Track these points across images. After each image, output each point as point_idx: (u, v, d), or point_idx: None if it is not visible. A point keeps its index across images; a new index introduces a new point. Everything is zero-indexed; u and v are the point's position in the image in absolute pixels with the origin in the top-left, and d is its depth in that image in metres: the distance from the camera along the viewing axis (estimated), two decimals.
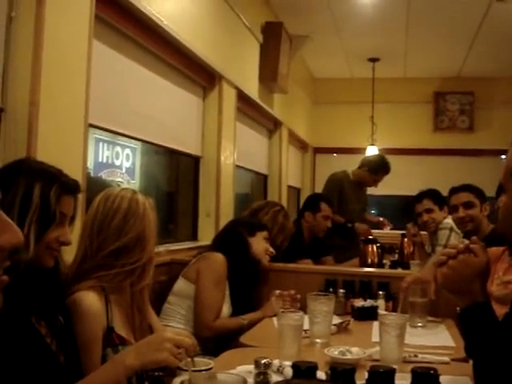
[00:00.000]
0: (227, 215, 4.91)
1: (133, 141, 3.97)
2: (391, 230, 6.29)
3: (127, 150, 3.98)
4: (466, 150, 8.64)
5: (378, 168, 5.76)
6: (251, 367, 1.74)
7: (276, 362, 1.84)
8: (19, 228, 1.44)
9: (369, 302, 3.23)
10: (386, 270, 4.57)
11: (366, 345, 2.33)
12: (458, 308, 1.71)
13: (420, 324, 2.93)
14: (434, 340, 2.64)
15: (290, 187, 7.87)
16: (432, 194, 4.59)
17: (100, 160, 3.67)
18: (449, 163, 8.67)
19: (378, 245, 5.13)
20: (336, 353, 2.18)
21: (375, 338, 2.49)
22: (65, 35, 2.67)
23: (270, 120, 6.83)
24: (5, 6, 2.43)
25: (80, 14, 2.79)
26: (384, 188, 8.71)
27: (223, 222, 4.67)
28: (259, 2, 6.02)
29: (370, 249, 5.02)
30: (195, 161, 4.82)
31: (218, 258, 3.19)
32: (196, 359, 1.77)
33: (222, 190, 4.82)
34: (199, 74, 4.55)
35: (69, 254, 1.92)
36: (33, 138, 2.42)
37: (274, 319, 2.82)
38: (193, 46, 4.12)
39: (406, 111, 8.82)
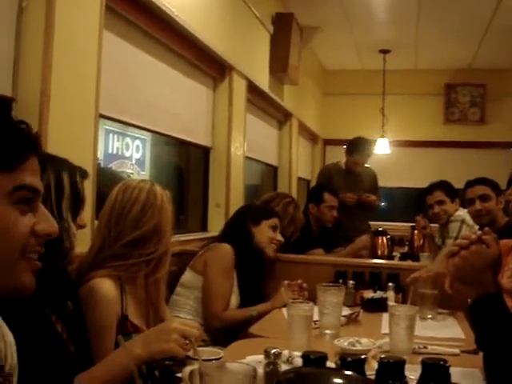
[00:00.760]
0: (237, 206, 4.89)
1: (143, 132, 3.97)
2: (402, 222, 6.26)
3: (137, 142, 3.99)
4: (476, 142, 8.60)
5: (352, 149, 5.67)
6: (261, 357, 1.74)
7: (286, 353, 1.84)
8: (57, 215, 1.56)
9: (378, 294, 3.23)
10: (396, 262, 4.57)
11: (375, 336, 2.32)
12: (469, 300, 1.71)
13: (430, 316, 2.92)
14: (444, 332, 2.64)
15: (300, 179, 7.86)
16: (444, 186, 4.57)
17: (110, 151, 3.67)
18: (459, 155, 8.63)
19: (388, 237, 5.12)
20: (346, 344, 2.18)
21: (385, 329, 2.49)
22: (76, 25, 2.67)
23: (281, 111, 6.81)
24: None
25: (91, 4, 2.79)
26: (394, 180, 8.76)
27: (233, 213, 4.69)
28: None
29: (380, 241, 5.02)
30: (205, 152, 4.82)
31: (225, 248, 3.19)
32: (205, 349, 1.78)
33: (231, 181, 4.82)
34: (209, 65, 4.55)
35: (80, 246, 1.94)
36: (44, 128, 2.42)
37: (284, 310, 2.83)
38: (203, 36, 4.12)
39: (417, 103, 8.78)
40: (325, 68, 9.12)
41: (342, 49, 8.13)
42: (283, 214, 3.86)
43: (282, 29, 6.00)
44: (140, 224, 2.09)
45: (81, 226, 1.87)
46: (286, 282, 3.27)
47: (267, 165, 6.93)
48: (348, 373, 1.30)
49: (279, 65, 6.02)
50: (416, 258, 4.86)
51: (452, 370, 1.45)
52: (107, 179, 3.17)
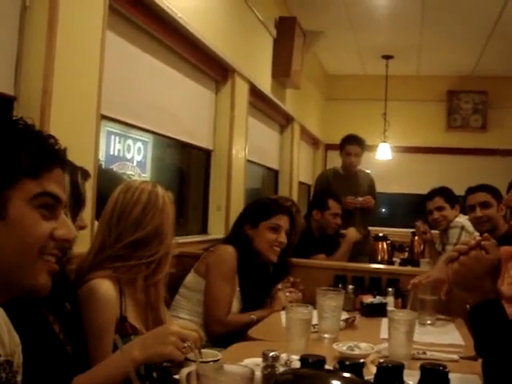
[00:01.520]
0: (238, 209, 4.89)
1: (144, 134, 3.97)
2: (403, 228, 6.26)
3: (139, 144, 3.98)
4: (478, 149, 8.59)
5: (342, 143, 5.67)
6: (259, 360, 1.74)
7: (284, 356, 1.84)
8: None
9: (378, 299, 3.22)
10: (396, 267, 4.57)
11: (374, 341, 2.32)
12: (467, 306, 1.70)
13: (429, 322, 2.91)
14: (443, 338, 2.63)
15: (300, 183, 7.86)
16: (444, 192, 4.57)
17: (111, 153, 3.67)
18: (461, 162, 8.63)
19: (389, 242, 5.13)
20: (344, 348, 2.18)
21: (384, 334, 2.48)
22: (79, 25, 2.67)
23: (282, 115, 6.81)
24: None
25: (94, 4, 2.79)
26: (395, 186, 8.76)
27: (233, 216, 4.67)
28: None
29: (380, 246, 5.02)
30: (207, 154, 4.82)
31: (227, 250, 3.14)
32: (204, 350, 1.77)
33: (232, 184, 4.82)
34: (212, 68, 4.55)
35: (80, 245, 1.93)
36: (45, 127, 2.42)
37: (282, 313, 2.82)
38: (206, 39, 4.12)
39: (419, 109, 8.78)
40: (327, 73, 9.13)
41: (344, 54, 8.14)
42: None
43: (285, 33, 6.00)
44: (141, 225, 2.07)
45: (81, 227, 1.87)
46: (278, 286, 3.27)
47: (268, 168, 6.92)
48: (346, 375, 1.29)
49: (282, 69, 6.02)
50: (416, 264, 4.86)
51: (451, 376, 1.44)
52: (108, 180, 3.17)
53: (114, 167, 3.70)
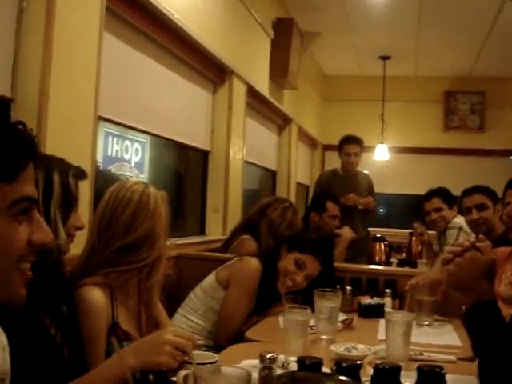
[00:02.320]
0: (235, 211, 4.91)
1: (142, 135, 3.97)
2: (401, 228, 6.26)
3: (136, 145, 3.98)
4: (475, 149, 8.61)
5: (341, 143, 5.68)
6: (256, 362, 1.74)
7: (281, 357, 1.84)
8: (44, 215, 1.54)
9: (375, 300, 3.22)
10: (394, 268, 4.57)
11: (371, 342, 2.32)
12: (463, 307, 1.71)
13: (427, 323, 2.91)
14: (441, 339, 2.63)
15: (298, 184, 7.86)
16: (442, 193, 4.57)
17: (109, 154, 3.67)
18: (459, 163, 8.64)
19: (386, 243, 5.12)
20: (342, 349, 2.18)
21: (381, 335, 2.48)
22: (75, 27, 2.67)
23: (280, 116, 6.82)
24: None
25: (91, 5, 2.79)
26: (393, 187, 8.76)
27: (231, 218, 4.68)
28: None
29: (377, 247, 5.01)
30: (204, 155, 4.82)
31: (252, 265, 3.02)
32: (201, 353, 1.76)
33: (230, 186, 4.82)
34: (210, 69, 4.55)
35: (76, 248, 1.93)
36: (42, 129, 2.42)
37: (280, 316, 2.82)
38: (204, 40, 4.12)
39: (417, 110, 8.79)
40: (325, 73, 9.13)
41: (342, 54, 8.15)
42: (282, 218, 3.85)
43: (283, 34, 6.01)
44: (131, 229, 2.00)
45: (78, 228, 1.85)
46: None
47: (266, 169, 6.92)
48: (342, 378, 1.29)
49: (279, 70, 6.03)
50: (414, 265, 4.86)
51: (448, 377, 1.44)
52: (106, 182, 3.16)
53: (112, 168, 3.70)
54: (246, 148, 5.24)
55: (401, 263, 5.21)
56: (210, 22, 4.38)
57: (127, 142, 3.86)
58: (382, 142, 8.26)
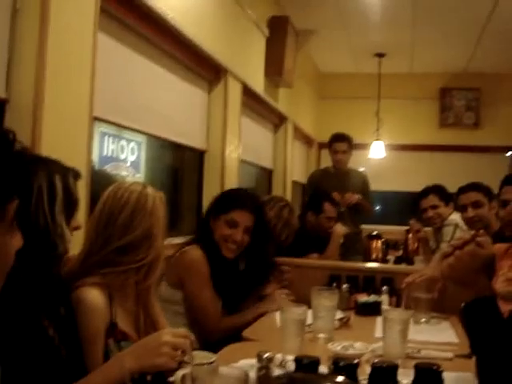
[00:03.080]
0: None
1: (138, 135, 3.97)
2: (397, 226, 6.27)
3: (132, 144, 3.98)
4: (471, 146, 8.61)
5: (330, 141, 5.82)
6: (253, 361, 1.74)
7: (278, 357, 1.84)
8: (51, 220, 1.54)
9: (372, 298, 3.23)
10: (390, 266, 4.58)
11: (369, 340, 2.32)
12: (462, 303, 1.71)
13: (424, 320, 2.92)
14: (438, 336, 2.63)
15: (294, 182, 7.86)
16: (438, 190, 4.58)
17: (105, 154, 3.66)
18: (454, 159, 8.65)
19: (383, 240, 5.13)
20: (339, 348, 2.18)
21: (378, 333, 2.48)
22: (70, 27, 2.67)
23: (276, 115, 6.81)
24: None
25: (85, 6, 2.78)
26: (389, 184, 8.77)
27: None
28: None
29: (374, 244, 5.02)
30: (200, 155, 4.82)
31: (193, 254, 2.93)
32: (198, 352, 1.76)
33: (226, 184, 4.81)
34: (205, 68, 4.55)
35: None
36: (37, 129, 2.42)
37: (277, 314, 2.82)
38: (198, 39, 4.12)
39: (412, 107, 8.79)
40: (320, 71, 9.13)
41: (337, 52, 8.15)
42: (278, 217, 3.86)
43: (278, 32, 6.01)
44: (129, 229, 2.00)
45: (75, 228, 1.85)
46: (271, 287, 3.23)
47: (262, 168, 6.92)
48: (340, 379, 1.29)
49: (274, 68, 6.03)
50: (410, 262, 4.86)
51: (445, 374, 1.45)
52: (102, 182, 3.16)
53: (108, 168, 3.70)
54: (241, 147, 5.24)
55: (397, 260, 5.22)
56: (205, 21, 4.37)
57: (123, 142, 3.85)
58: (377, 139, 8.27)
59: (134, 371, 1.56)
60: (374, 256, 4.98)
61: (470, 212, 3.85)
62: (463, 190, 3.98)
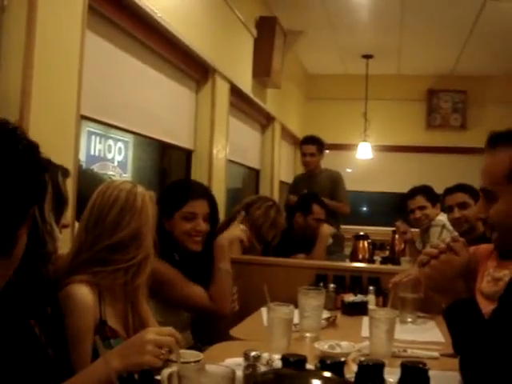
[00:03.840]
0: (219, 209, 4.89)
1: (125, 134, 3.96)
2: (384, 226, 6.29)
3: (119, 144, 3.97)
4: (458, 147, 8.65)
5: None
6: (240, 360, 1.74)
7: (265, 355, 1.84)
8: (40, 217, 1.57)
9: (359, 297, 3.23)
10: (377, 266, 4.58)
11: (355, 339, 2.33)
12: (443, 305, 1.72)
13: (410, 320, 2.93)
14: (424, 336, 2.65)
15: (282, 182, 7.86)
16: (425, 191, 4.60)
17: (92, 153, 3.66)
18: (441, 161, 8.68)
19: (369, 241, 5.15)
20: (326, 347, 2.18)
21: (365, 333, 2.49)
22: (58, 25, 2.66)
23: (263, 115, 6.82)
24: None
25: (73, 4, 2.77)
26: (376, 185, 8.80)
27: None
28: None
29: (361, 245, 5.03)
30: (187, 154, 4.81)
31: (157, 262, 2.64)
32: (185, 351, 1.76)
33: (213, 184, 4.81)
34: (192, 68, 4.54)
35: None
36: (24, 127, 2.40)
37: (264, 313, 2.82)
38: (186, 39, 4.11)
39: (399, 108, 8.83)
40: (308, 72, 9.14)
41: (325, 53, 8.16)
42: (265, 217, 3.86)
43: (266, 32, 6.01)
44: (119, 228, 1.99)
45: (64, 226, 1.85)
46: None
47: (249, 168, 6.92)
48: (327, 374, 1.29)
49: (262, 68, 6.03)
50: (397, 262, 4.87)
51: (431, 373, 1.45)
52: (89, 181, 3.15)
53: (95, 167, 3.69)
54: (229, 147, 5.24)
55: (384, 261, 5.23)
56: (193, 21, 4.37)
57: (110, 141, 3.85)
58: (364, 141, 8.30)
59: (119, 371, 1.55)
60: (360, 256, 5.00)
61: (456, 213, 3.88)
62: (450, 190, 4.01)
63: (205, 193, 3.02)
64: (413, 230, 4.84)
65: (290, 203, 5.35)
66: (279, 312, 2.27)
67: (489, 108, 8.57)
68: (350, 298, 3.23)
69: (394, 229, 5.22)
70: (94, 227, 2.01)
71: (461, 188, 3.96)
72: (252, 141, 6.81)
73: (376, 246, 6.03)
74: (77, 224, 2.43)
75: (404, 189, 4.93)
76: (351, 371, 1.60)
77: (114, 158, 3.90)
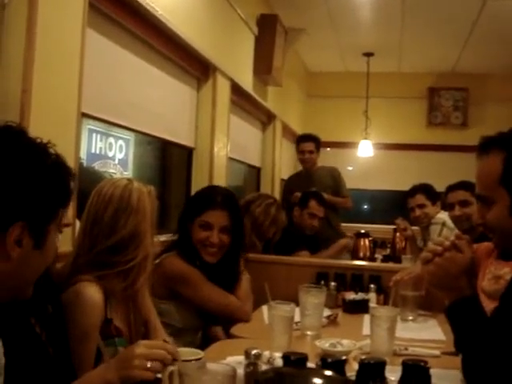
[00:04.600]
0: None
1: (126, 132, 3.95)
2: (385, 224, 6.29)
3: (120, 142, 3.97)
4: (459, 145, 8.62)
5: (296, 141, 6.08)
6: (241, 358, 1.74)
7: (266, 354, 1.84)
8: None
9: (360, 295, 3.24)
10: (378, 264, 4.59)
11: (356, 337, 2.33)
12: (446, 302, 1.72)
13: (411, 318, 2.93)
14: (425, 334, 2.65)
15: (283, 180, 7.85)
16: (425, 189, 4.61)
17: (93, 151, 3.65)
18: (442, 159, 8.66)
19: (370, 239, 5.15)
20: (327, 345, 2.18)
21: (366, 331, 2.49)
22: (58, 23, 2.65)
23: (264, 113, 6.81)
24: None
25: (74, 2, 2.76)
26: (377, 183, 8.79)
27: None
28: None
29: (362, 243, 5.04)
30: (188, 152, 4.81)
31: (173, 265, 2.77)
32: (185, 349, 1.75)
33: (214, 182, 4.80)
34: (193, 65, 4.53)
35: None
36: (24, 125, 2.39)
37: (265, 311, 2.82)
38: (187, 36, 4.10)
39: (400, 106, 8.82)
40: (309, 70, 9.13)
41: (326, 51, 8.14)
42: (265, 215, 3.86)
43: (267, 30, 6.00)
44: (116, 228, 1.94)
45: (66, 225, 1.83)
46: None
47: (250, 166, 6.92)
48: (328, 373, 1.29)
49: (263, 66, 6.02)
50: (398, 260, 4.88)
51: (432, 371, 1.45)
52: (90, 179, 3.15)
53: (96, 165, 3.69)
54: (230, 145, 5.23)
55: (385, 259, 5.24)
56: (194, 19, 4.36)
57: (111, 139, 3.84)
58: (365, 138, 8.29)
59: (114, 382, 1.53)
60: (361, 254, 5.00)
61: (457, 211, 3.87)
62: (452, 188, 4.00)
63: (226, 203, 2.87)
64: (413, 227, 4.84)
65: (293, 200, 5.33)
66: (280, 310, 2.28)
67: (490, 106, 8.55)
68: (351, 296, 3.24)
69: (395, 227, 5.22)
70: (92, 228, 1.98)
71: (463, 186, 3.95)
72: (253, 139, 6.80)
73: (377, 244, 6.03)
74: (77, 222, 2.42)
75: (405, 187, 4.93)
76: (352, 369, 1.61)
77: (114, 155, 3.90)
